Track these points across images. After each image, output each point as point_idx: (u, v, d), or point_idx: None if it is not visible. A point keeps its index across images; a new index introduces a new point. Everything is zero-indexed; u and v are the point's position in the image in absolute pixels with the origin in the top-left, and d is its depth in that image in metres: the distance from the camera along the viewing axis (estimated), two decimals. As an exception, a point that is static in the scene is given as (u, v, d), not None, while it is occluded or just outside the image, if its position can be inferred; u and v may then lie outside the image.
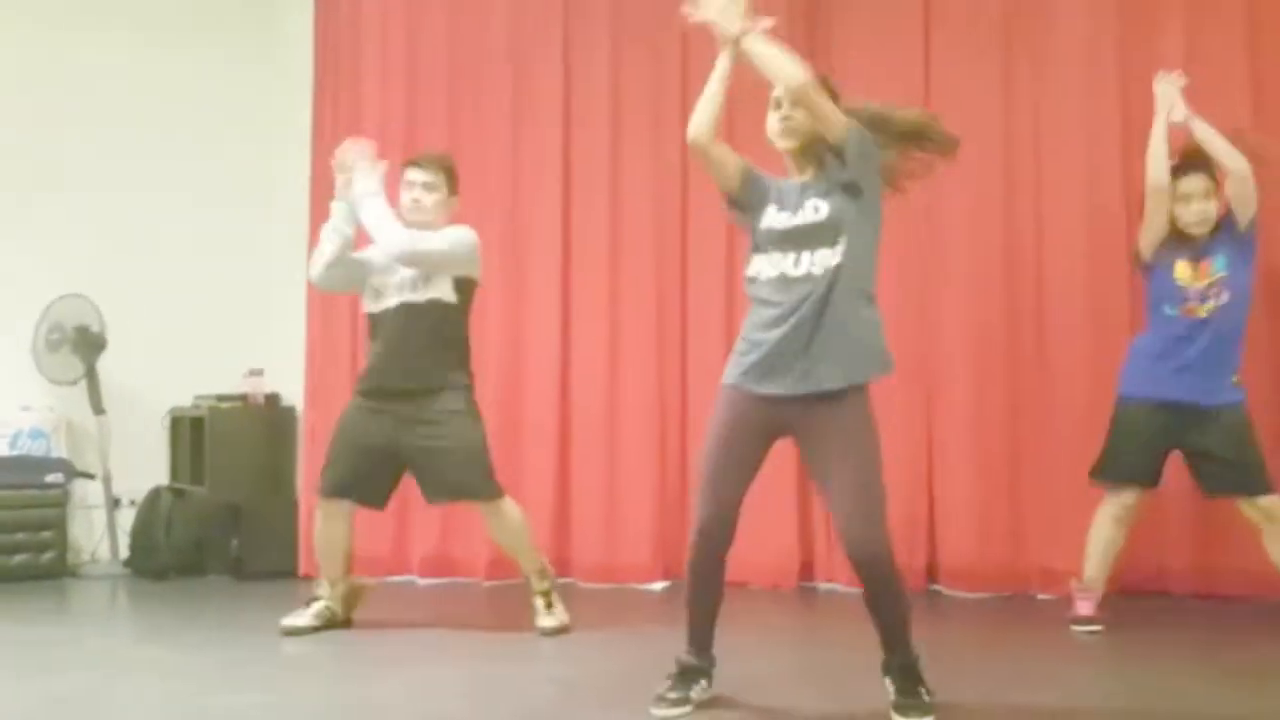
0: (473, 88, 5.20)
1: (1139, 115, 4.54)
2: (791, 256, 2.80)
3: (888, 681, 2.85)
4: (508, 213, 5.08)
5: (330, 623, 3.93)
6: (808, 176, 2.90)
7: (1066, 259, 4.58)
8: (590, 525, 4.95)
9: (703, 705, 2.90)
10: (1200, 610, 4.20)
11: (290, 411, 5.42)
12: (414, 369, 3.83)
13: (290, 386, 5.37)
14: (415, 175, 3.92)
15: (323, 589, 3.97)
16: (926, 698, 2.79)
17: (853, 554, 2.77)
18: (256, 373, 5.38)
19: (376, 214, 3.83)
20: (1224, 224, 3.81)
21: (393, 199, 3.92)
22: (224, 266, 5.53)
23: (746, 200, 2.95)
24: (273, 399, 5.41)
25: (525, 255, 5.10)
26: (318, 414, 5.12)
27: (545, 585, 3.95)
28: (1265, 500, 3.71)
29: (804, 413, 2.77)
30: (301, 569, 5.08)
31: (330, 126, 5.29)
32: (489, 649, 3.70)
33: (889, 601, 2.81)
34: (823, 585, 4.78)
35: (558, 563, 4.96)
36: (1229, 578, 4.29)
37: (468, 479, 3.86)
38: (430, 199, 3.90)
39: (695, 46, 5.01)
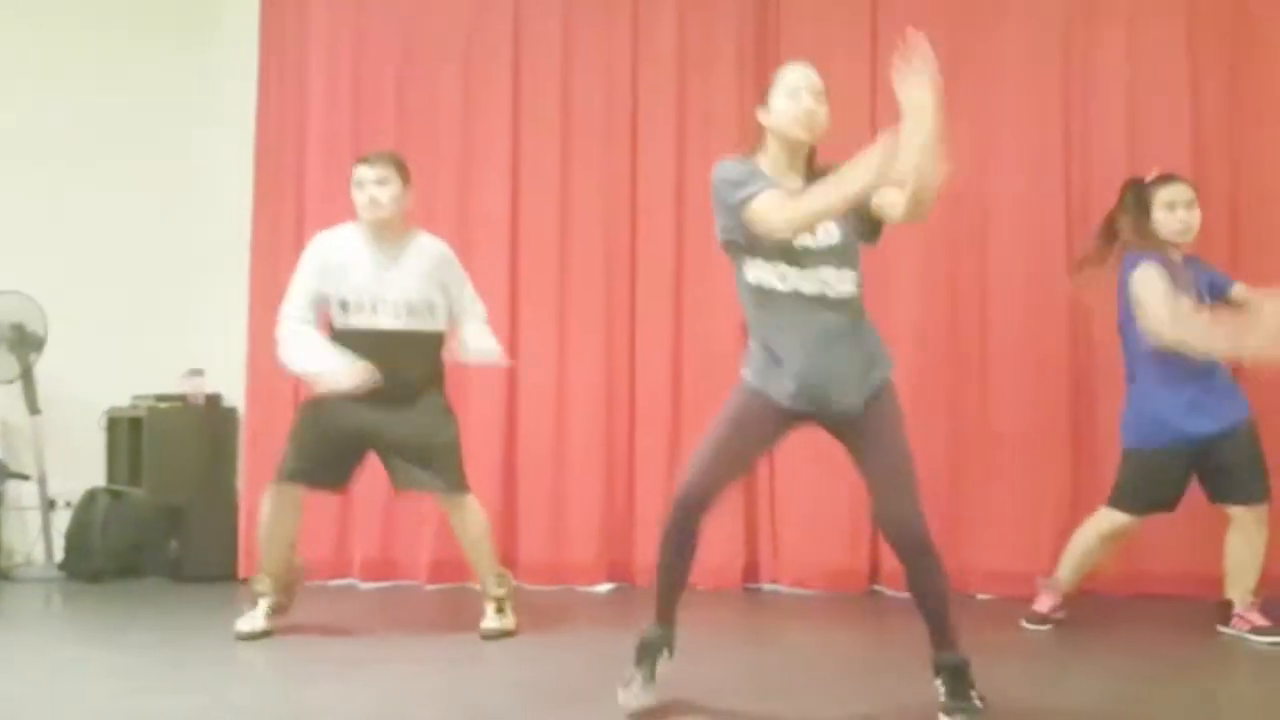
0: (422, 81, 5.16)
1: (1079, 120, 4.68)
2: (821, 273, 2.81)
3: (938, 683, 2.85)
4: (456, 209, 5.05)
5: (279, 613, 3.91)
6: (796, 182, 2.85)
7: (1009, 265, 4.66)
8: (536, 526, 4.94)
9: (652, 712, 2.91)
10: (1132, 609, 4.30)
11: (231, 413, 5.35)
12: (407, 382, 3.84)
13: (231, 387, 5.30)
14: (366, 173, 3.88)
15: (262, 584, 3.92)
16: (978, 703, 2.79)
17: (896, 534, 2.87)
18: (197, 373, 5.31)
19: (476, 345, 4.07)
20: (1204, 276, 3.80)
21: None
22: (164, 265, 5.45)
23: None
24: (213, 400, 5.34)
25: (473, 253, 5.05)
26: (259, 415, 5.06)
27: (501, 591, 3.93)
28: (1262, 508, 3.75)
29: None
30: (242, 572, 5.02)
31: (275, 124, 5.23)
32: (431, 652, 3.68)
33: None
34: (766, 586, 4.81)
35: (503, 563, 4.94)
36: (1153, 580, 4.40)
37: (441, 473, 3.87)
38: (386, 194, 3.86)
39: (646, 38, 5.05)
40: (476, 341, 4.01)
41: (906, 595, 4.55)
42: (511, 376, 5.00)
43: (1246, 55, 4.59)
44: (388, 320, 3.85)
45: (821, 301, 2.81)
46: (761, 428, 2.90)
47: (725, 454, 2.87)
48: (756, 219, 2.73)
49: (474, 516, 3.94)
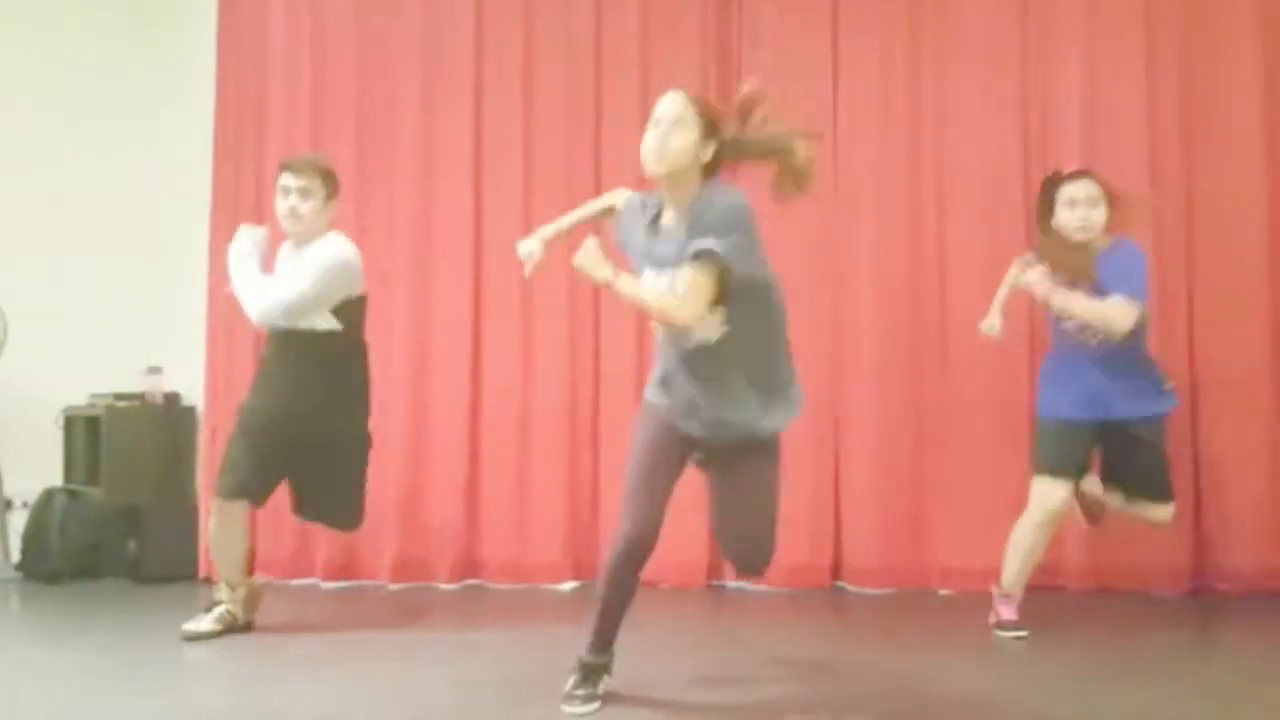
0: (382, 75, 5.12)
1: (1036, 116, 4.74)
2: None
3: None
4: (417, 205, 5.02)
5: (231, 626, 3.85)
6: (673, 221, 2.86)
7: (968, 260, 4.68)
8: (500, 525, 4.93)
9: (616, 702, 2.92)
10: (1094, 605, 4.35)
11: (190, 411, 5.30)
12: (295, 375, 3.83)
13: (190, 385, 5.25)
14: (289, 181, 3.82)
15: (223, 593, 3.90)
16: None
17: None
18: (155, 371, 5.25)
19: (244, 277, 3.83)
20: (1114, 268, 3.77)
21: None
22: (122, 262, 5.38)
23: None
24: (172, 398, 5.28)
25: (435, 250, 5.04)
26: (219, 414, 5.01)
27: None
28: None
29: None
30: (201, 572, 4.97)
31: (233, 124, 5.19)
32: (391, 651, 3.67)
33: None
34: (730, 583, 4.83)
35: (468, 562, 4.96)
36: (1118, 574, 4.45)
37: (344, 510, 3.94)
38: (306, 206, 3.80)
39: (609, 30, 5.04)
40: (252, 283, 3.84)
41: (870, 591, 4.66)
42: (475, 374, 4.99)
43: (1200, 50, 4.66)
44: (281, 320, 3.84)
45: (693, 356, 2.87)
46: (669, 447, 2.96)
47: (651, 476, 2.93)
48: None
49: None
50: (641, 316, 4.90)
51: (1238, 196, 4.58)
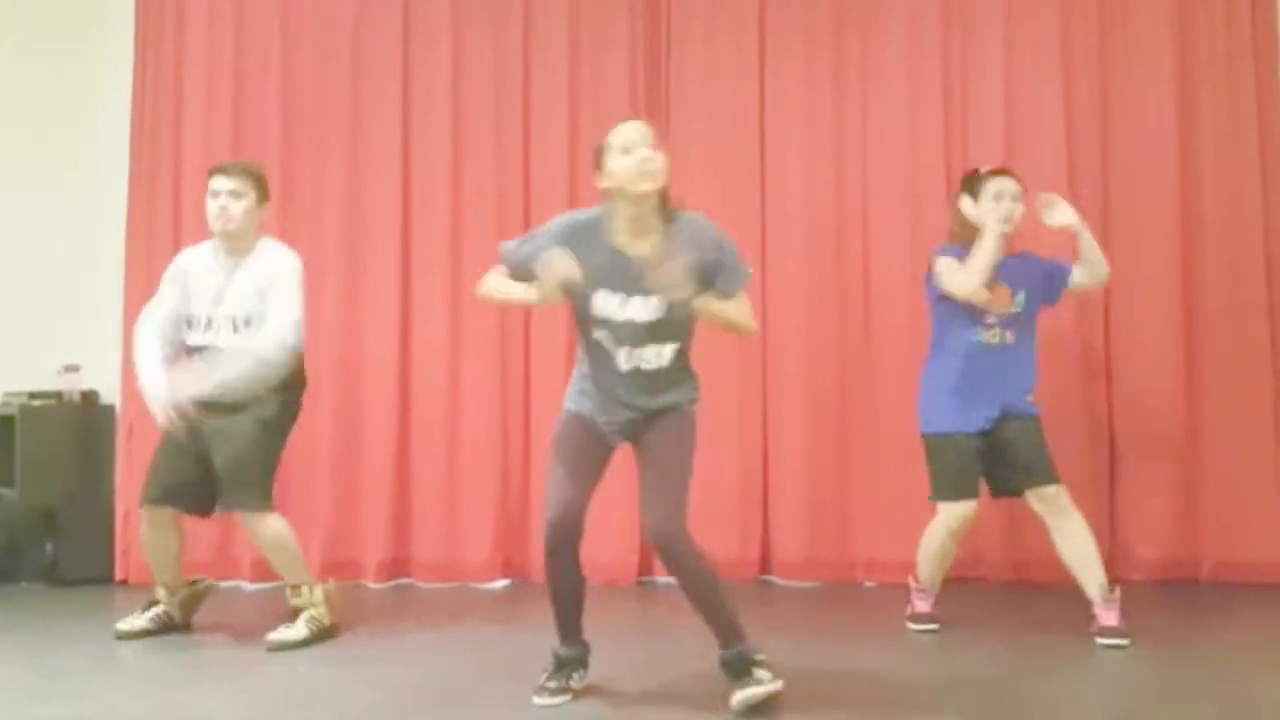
0: (307, 74, 5.06)
1: (958, 117, 4.85)
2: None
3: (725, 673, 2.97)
4: (345, 206, 4.97)
5: (166, 627, 3.85)
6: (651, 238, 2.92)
7: (892, 266, 4.78)
8: (430, 524, 4.90)
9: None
10: (1012, 597, 4.45)
11: (109, 410, 5.18)
12: (240, 399, 3.73)
13: (108, 383, 5.13)
14: (221, 184, 3.79)
15: (160, 594, 3.88)
16: (765, 680, 2.90)
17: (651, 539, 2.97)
18: (72, 368, 5.12)
19: (236, 369, 3.67)
20: (1038, 268, 3.87)
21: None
22: (37, 257, 5.23)
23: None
24: (90, 396, 5.15)
25: (364, 251, 4.99)
26: (137, 412, 4.91)
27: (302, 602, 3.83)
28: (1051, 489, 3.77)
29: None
30: (119, 574, 4.88)
31: (150, 119, 5.07)
32: (314, 652, 3.64)
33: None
34: (661, 579, 4.84)
35: (397, 562, 4.93)
36: (1037, 568, 4.54)
37: (242, 488, 3.75)
38: (238, 207, 3.77)
39: (537, 34, 5.03)
40: (232, 361, 3.69)
41: (797, 584, 4.72)
42: (404, 373, 4.96)
43: (1117, 57, 4.80)
44: (224, 337, 3.76)
45: (634, 373, 2.98)
46: (592, 445, 3.03)
47: (573, 471, 2.98)
48: None
49: (272, 531, 3.80)
50: (572, 313, 4.91)
51: (1153, 200, 4.74)
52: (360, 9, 5.06)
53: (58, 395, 5.09)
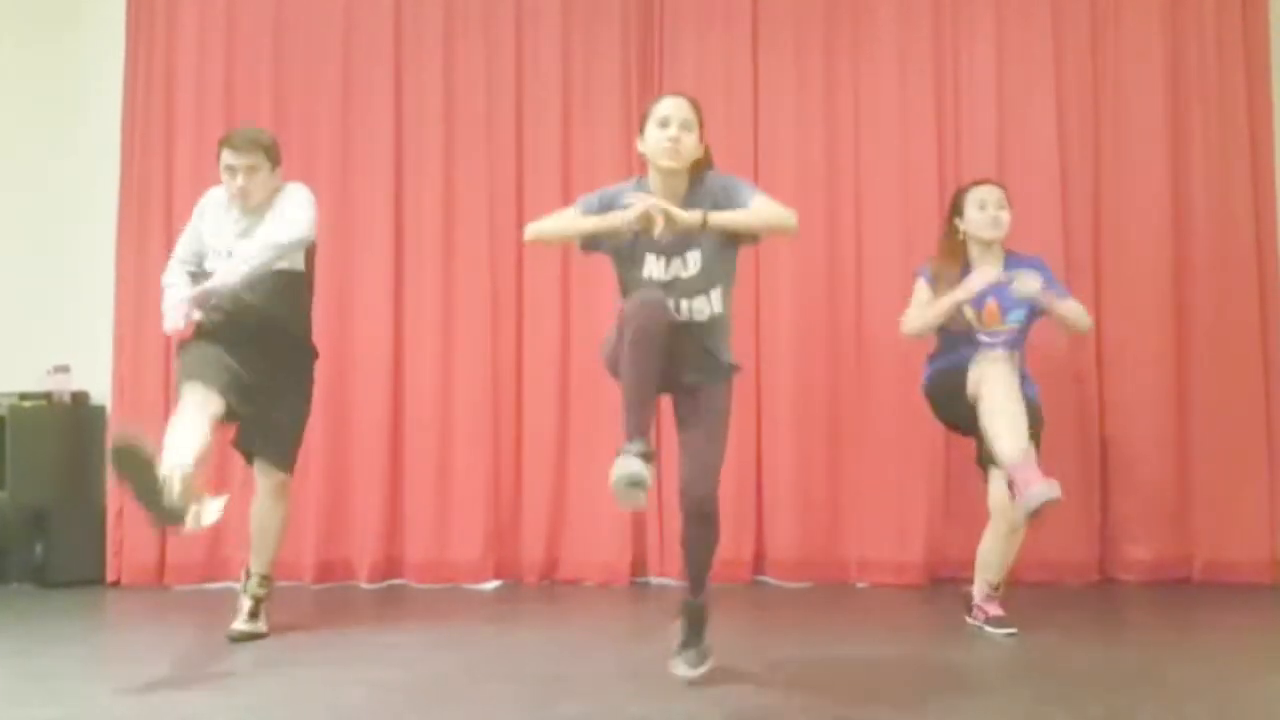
0: (298, 69, 5.04)
1: (950, 120, 4.86)
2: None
3: (679, 623, 3.17)
4: (337, 203, 4.93)
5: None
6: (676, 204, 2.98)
7: (884, 263, 4.78)
8: (422, 525, 4.89)
9: (540, 700, 2.92)
10: (1009, 595, 4.45)
11: (99, 411, 5.16)
12: (266, 327, 3.76)
13: (98, 384, 5.12)
14: (233, 160, 3.75)
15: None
16: (707, 649, 3.13)
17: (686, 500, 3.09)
18: (62, 369, 5.10)
19: (228, 273, 3.64)
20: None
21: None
22: (27, 260, 5.21)
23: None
24: (79, 397, 5.13)
25: (355, 251, 4.98)
26: (126, 413, 4.91)
27: (262, 593, 3.85)
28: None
29: None
30: (110, 575, 4.86)
31: (141, 118, 5.05)
32: (307, 652, 3.63)
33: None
34: (654, 580, 4.85)
35: (389, 561, 4.92)
36: (1028, 566, 4.54)
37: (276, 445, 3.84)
38: (254, 183, 3.76)
39: (530, 33, 5.02)
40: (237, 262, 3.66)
41: (790, 585, 4.72)
42: (397, 373, 4.95)
43: (1109, 54, 4.83)
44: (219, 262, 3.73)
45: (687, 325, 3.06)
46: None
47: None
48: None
49: (281, 506, 3.87)
50: (565, 312, 4.92)
51: (1143, 201, 4.76)
52: (351, 5, 5.04)
53: (47, 396, 5.07)
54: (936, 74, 4.87)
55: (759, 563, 4.86)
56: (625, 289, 3.12)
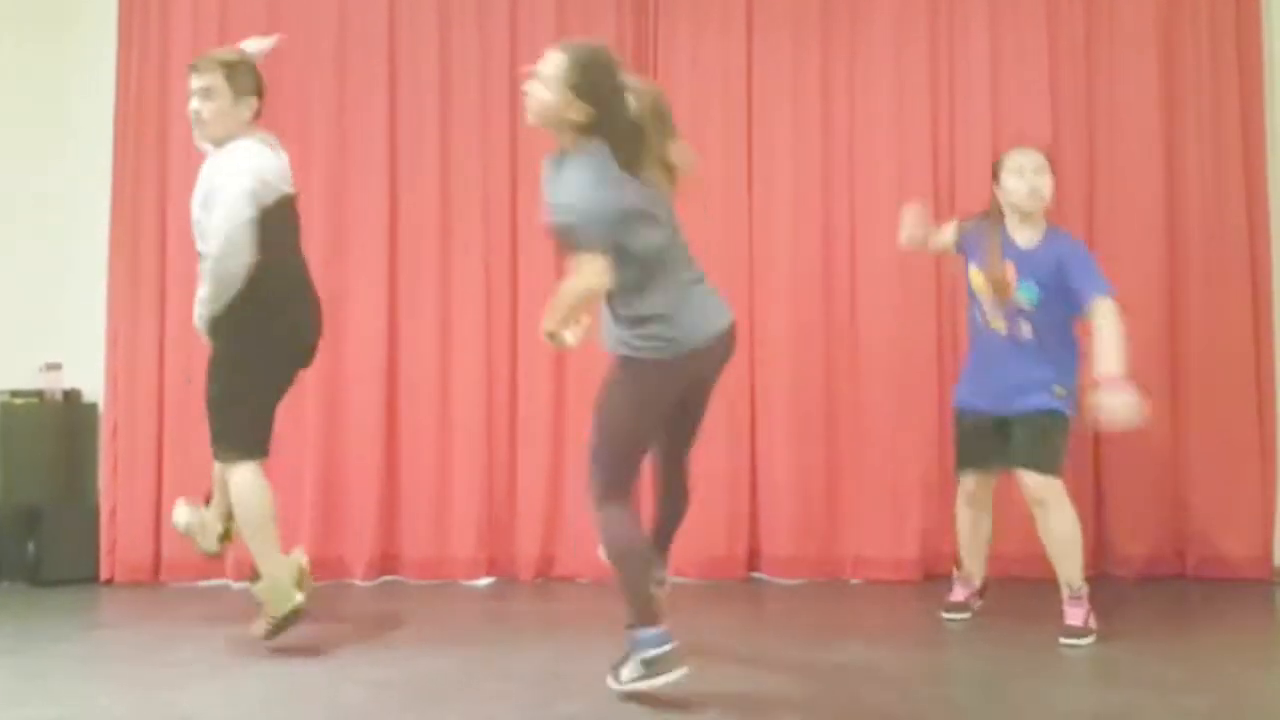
0: (291, 63, 4.98)
1: (945, 112, 4.87)
2: None
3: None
4: (330, 199, 4.93)
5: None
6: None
7: (879, 259, 4.76)
8: (417, 521, 4.88)
9: (533, 699, 2.92)
10: (1000, 592, 4.46)
11: (91, 408, 5.13)
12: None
13: (91, 382, 5.09)
14: (192, 82, 3.44)
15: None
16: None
17: None
18: (54, 367, 5.08)
19: (197, 320, 3.55)
20: (1058, 266, 3.65)
21: None
22: (20, 257, 5.17)
23: None
24: (72, 395, 5.11)
25: (350, 247, 4.96)
26: (120, 411, 4.89)
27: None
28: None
29: None
30: (103, 574, 4.84)
31: (134, 116, 5.01)
32: (302, 650, 3.62)
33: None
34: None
35: (385, 558, 4.91)
36: (1024, 562, 4.55)
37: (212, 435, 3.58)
38: (209, 108, 3.39)
39: (524, 29, 5.01)
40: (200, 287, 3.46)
41: (786, 581, 4.72)
42: (392, 369, 4.93)
43: (1103, 44, 4.84)
44: (201, 245, 3.50)
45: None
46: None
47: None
48: None
49: (236, 481, 3.54)
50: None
51: (1137, 203, 4.77)
52: (345, 3, 5.02)
53: (39, 394, 5.05)
54: (931, 74, 4.87)
55: (754, 559, 4.86)
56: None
